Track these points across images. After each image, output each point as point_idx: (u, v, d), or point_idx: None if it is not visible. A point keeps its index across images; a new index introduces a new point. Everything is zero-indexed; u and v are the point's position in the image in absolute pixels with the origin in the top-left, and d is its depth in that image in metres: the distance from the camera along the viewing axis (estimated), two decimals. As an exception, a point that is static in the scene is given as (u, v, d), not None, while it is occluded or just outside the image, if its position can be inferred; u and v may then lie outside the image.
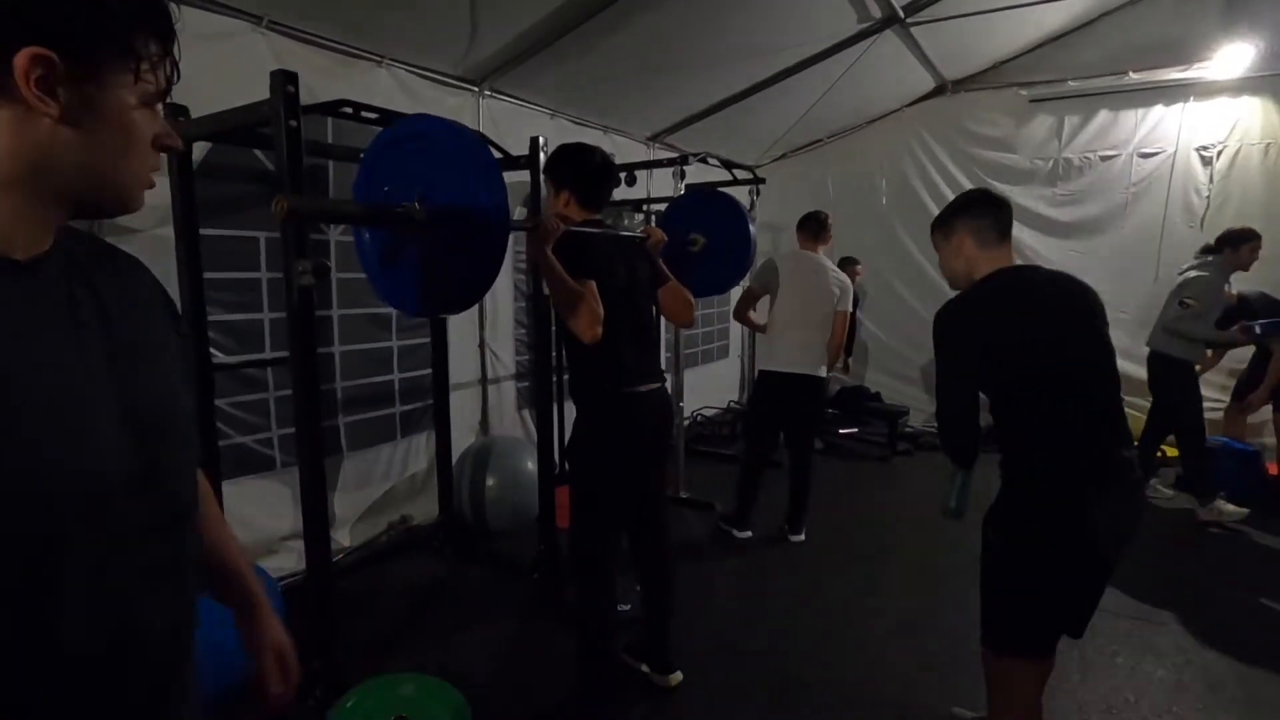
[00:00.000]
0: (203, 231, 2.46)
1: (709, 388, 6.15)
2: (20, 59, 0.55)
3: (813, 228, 3.70)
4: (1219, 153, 4.93)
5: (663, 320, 2.60)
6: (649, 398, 2.15)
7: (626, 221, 5.11)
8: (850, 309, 3.65)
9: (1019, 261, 1.75)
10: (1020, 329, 1.62)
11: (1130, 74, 5.05)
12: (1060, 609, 1.68)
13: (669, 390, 2.29)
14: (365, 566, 3.27)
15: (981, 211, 1.74)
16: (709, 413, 6.11)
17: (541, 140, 2.86)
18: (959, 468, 1.82)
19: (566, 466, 2.23)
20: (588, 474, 2.16)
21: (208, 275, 2.51)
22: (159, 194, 2.37)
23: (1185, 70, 4.91)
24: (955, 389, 1.70)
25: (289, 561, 2.90)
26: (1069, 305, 1.68)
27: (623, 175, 4.27)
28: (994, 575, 1.72)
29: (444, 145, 1.76)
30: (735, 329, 6.61)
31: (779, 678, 2.45)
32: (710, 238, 3.10)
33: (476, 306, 3.89)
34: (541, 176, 2.80)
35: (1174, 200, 5.08)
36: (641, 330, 2.19)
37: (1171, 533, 3.81)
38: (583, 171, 2.15)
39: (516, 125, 3.84)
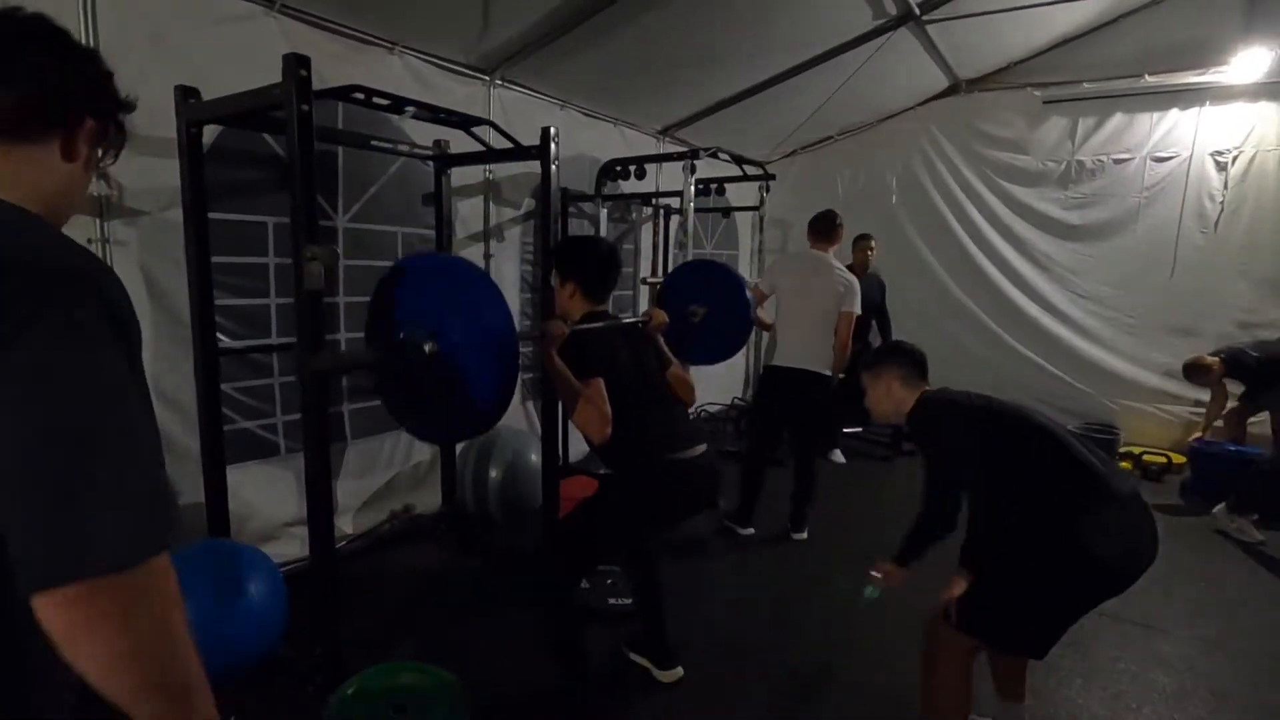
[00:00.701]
0: (212, 215, 2.46)
1: (712, 384, 6.13)
2: (89, 125, 0.81)
3: (822, 227, 3.70)
4: (1234, 158, 4.88)
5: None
6: (693, 464, 2.14)
7: (635, 216, 5.09)
8: (856, 310, 3.60)
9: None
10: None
11: (1147, 76, 5.00)
12: (1068, 616, 1.80)
13: (710, 455, 2.27)
14: (367, 554, 3.27)
15: (905, 360, 2.10)
16: (713, 409, 6.10)
17: (553, 131, 2.85)
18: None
19: (601, 481, 2.23)
20: (614, 510, 2.14)
21: (215, 259, 2.50)
22: (168, 177, 2.37)
23: (1202, 74, 4.86)
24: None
25: (292, 548, 2.90)
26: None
27: (632, 169, 4.27)
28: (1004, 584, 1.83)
29: (447, 279, 1.82)
30: (741, 325, 6.59)
31: (780, 674, 2.45)
32: (710, 307, 3.14)
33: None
34: (554, 167, 2.82)
35: (1188, 205, 5.03)
36: (662, 399, 2.21)
37: (1176, 540, 3.79)
38: (587, 264, 2.23)
39: (528, 115, 3.83)
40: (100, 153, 0.85)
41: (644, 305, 5.26)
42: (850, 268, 3.88)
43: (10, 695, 0.70)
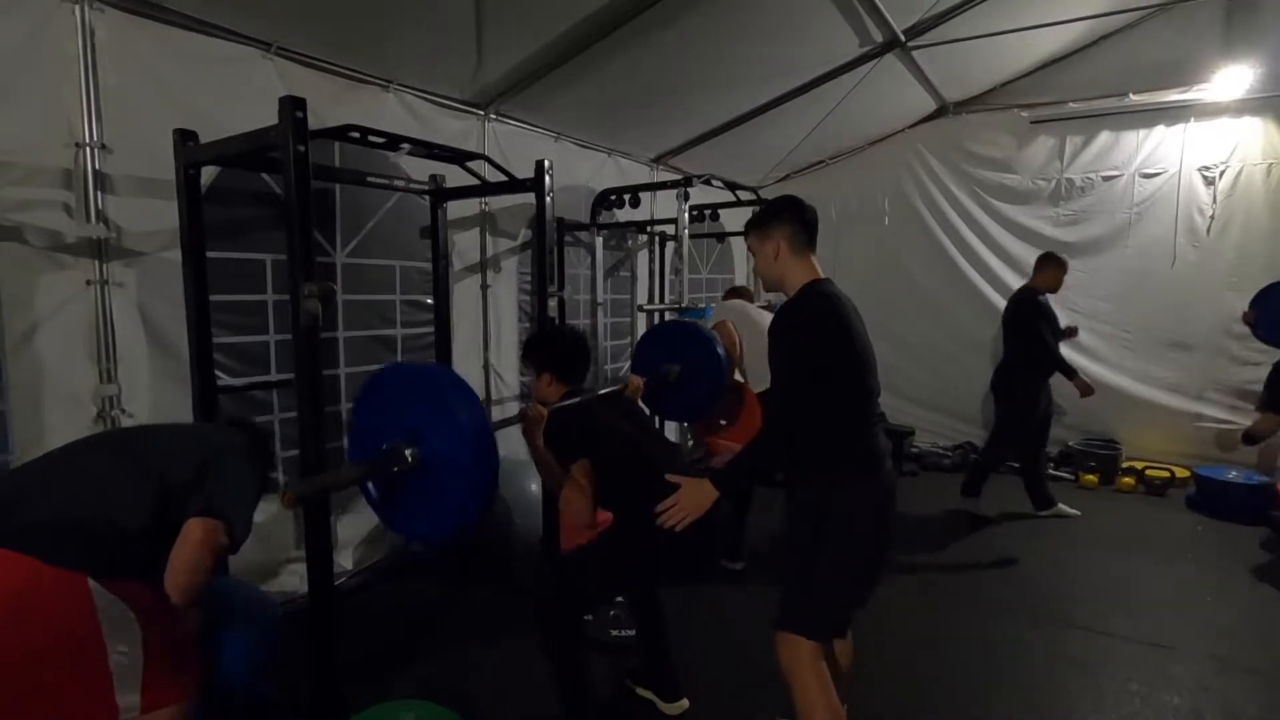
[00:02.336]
0: (210, 254, 2.48)
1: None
2: None
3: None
4: (1221, 173, 4.94)
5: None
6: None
7: (630, 244, 5.13)
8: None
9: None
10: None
11: (1131, 95, 5.08)
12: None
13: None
14: (367, 589, 3.24)
15: (795, 216, 1.91)
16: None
17: (547, 163, 2.89)
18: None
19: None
20: (611, 565, 2.10)
21: (214, 298, 2.52)
22: (167, 218, 2.39)
23: (1185, 92, 4.94)
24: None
25: (291, 584, 2.88)
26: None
27: (627, 198, 4.31)
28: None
29: (421, 388, 1.89)
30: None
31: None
32: (684, 365, 3.22)
33: (481, 326, 3.90)
34: (549, 199, 2.86)
35: (1178, 220, 5.08)
36: (652, 458, 2.17)
37: (1182, 557, 3.76)
38: (556, 353, 2.36)
39: (522, 148, 3.87)
40: None
41: (641, 329, 5.28)
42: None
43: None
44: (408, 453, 1.79)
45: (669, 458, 2.19)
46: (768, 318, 4.10)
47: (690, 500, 1.80)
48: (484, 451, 1.77)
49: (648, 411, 2.44)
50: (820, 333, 1.74)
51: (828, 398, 1.74)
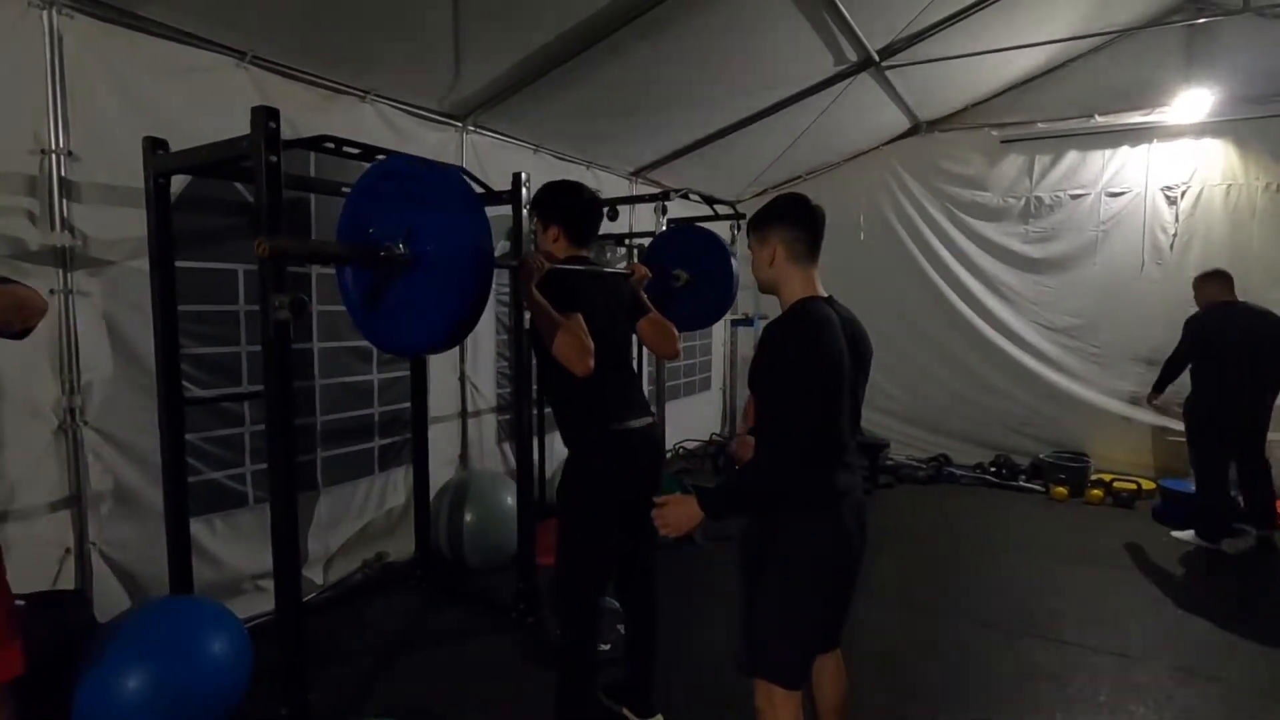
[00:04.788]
0: (181, 264, 2.44)
1: (691, 420, 6.14)
2: None
3: None
4: (1183, 193, 5.09)
5: (644, 353, 2.61)
6: (639, 434, 2.13)
7: (609, 256, 5.15)
8: None
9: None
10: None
11: (1096, 117, 5.23)
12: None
13: (658, 426, 2.28)
14: (339, 605, 3.18)
15: (798, 220, 1.69)
16: (690, 445, 6.10)
17: (524, 176, 2.89)
18: None
19: (556, 504, 2.18)
20: (576, 515, 2.12)
21: (185, 308, 2.48)
22: (135, 226, 2.36)
23: (1148, 114, 5.10)
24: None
25: (261, 601, 2.82)
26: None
27: (605, 210, 4.32)
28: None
29: (426, 185, 1.77)
30: (717, 361, 6.63)
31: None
32: (694, 273, 3.13)
33: (457, 339, 3.87)
34: (525, 212, 2.85)
35: (1142, 238, 5.22)
36: (621, 366, 2.19)
37: (1147, 567, 3.83)
38: (571, 208, 2.20)
39: (500, 160, 3.88)
40: None
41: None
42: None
43: None
44: (399, 244, 1.69)
45: (617, 396, 2.14)
46: None
47: (674, 517, 1.67)
48: (481, 257, 1.66)
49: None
50: (802, 357, 1.55)
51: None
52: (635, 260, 3.16)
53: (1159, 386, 4.35)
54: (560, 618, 2.16)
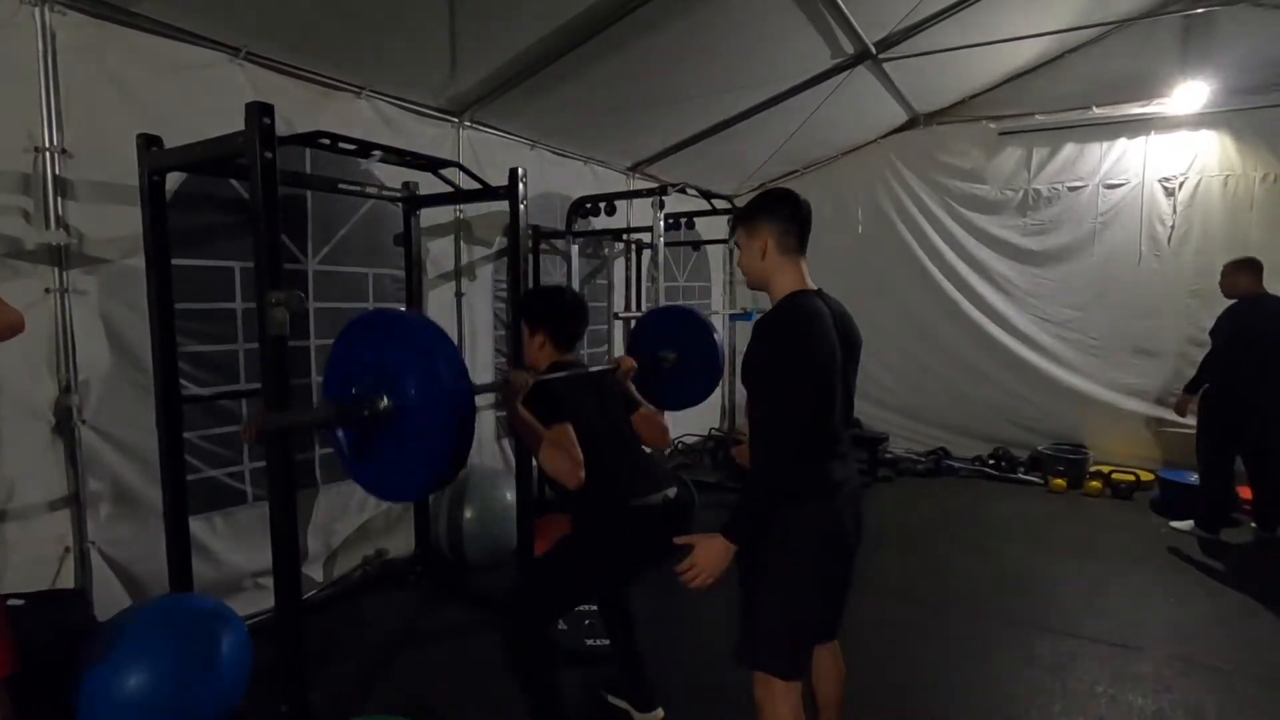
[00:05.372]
0: (177, 262, 2.43)
1: (690, 415, 6.14)
2: None
3: None
4: (1180, 184, 5.08)
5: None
6: (658, 510, 2.05)
7: (607, 252, 5.14)
8: None
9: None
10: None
11: (1094, 108, 5.22)
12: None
13: (685, 493, 2.21)
14: (339, 602, 3.19)
15: (788, 213, 1.70)
16: (689, 440, 6.10)
17: (521, 172, 2.88)
18: None
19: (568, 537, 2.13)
20: (573, 566, 2.06)
21: (182, 306, 2.47)
22: (130, 224, 2.35)
23: (1146, 105, 5.08)
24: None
25: (261, 598, 2.82)
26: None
27: (603, 205, 4.32)
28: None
29: (401, 334, 1.80)
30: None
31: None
32: (680, 352, 3.16)
33: (456, 334, 3.87)
34: (522, 208, 2.84)
35: (1141, 229, 5.22)
36: (626, 445, 2.18)
37: (1147, 558, 3.84)
38: (555, 313, 2.24)
39: (496, 156, 3.87)
40: None
41: (619, 339, 5.29)
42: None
43: None
44: (381, 400, 1.71)
45: (628, 469, 2.12)
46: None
47: (706, 559, 1.62)
48: (460, 407, 1.68)
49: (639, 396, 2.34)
50: (793, 351, 1.57)
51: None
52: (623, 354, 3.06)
53: (1193, 388, 4.19)
54: (526, 598, 2.09)
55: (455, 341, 3.85)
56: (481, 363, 4.04)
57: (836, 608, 1.81)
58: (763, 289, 1.76)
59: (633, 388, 2.37)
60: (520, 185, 2.86)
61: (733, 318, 5.86)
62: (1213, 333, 4.09)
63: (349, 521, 3.36)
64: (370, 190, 3.09)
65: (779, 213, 1.71)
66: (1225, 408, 3.98)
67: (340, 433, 1.87)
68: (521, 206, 2.87)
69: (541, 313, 2.24)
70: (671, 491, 2.11)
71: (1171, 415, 4.82)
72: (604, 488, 2.00)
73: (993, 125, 5.61)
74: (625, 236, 5.04)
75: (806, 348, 1.56)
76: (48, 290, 2.24)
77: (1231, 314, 3.99)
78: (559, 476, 1.92)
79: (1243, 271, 3.98)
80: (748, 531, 1.62)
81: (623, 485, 2.04)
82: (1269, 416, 3.84)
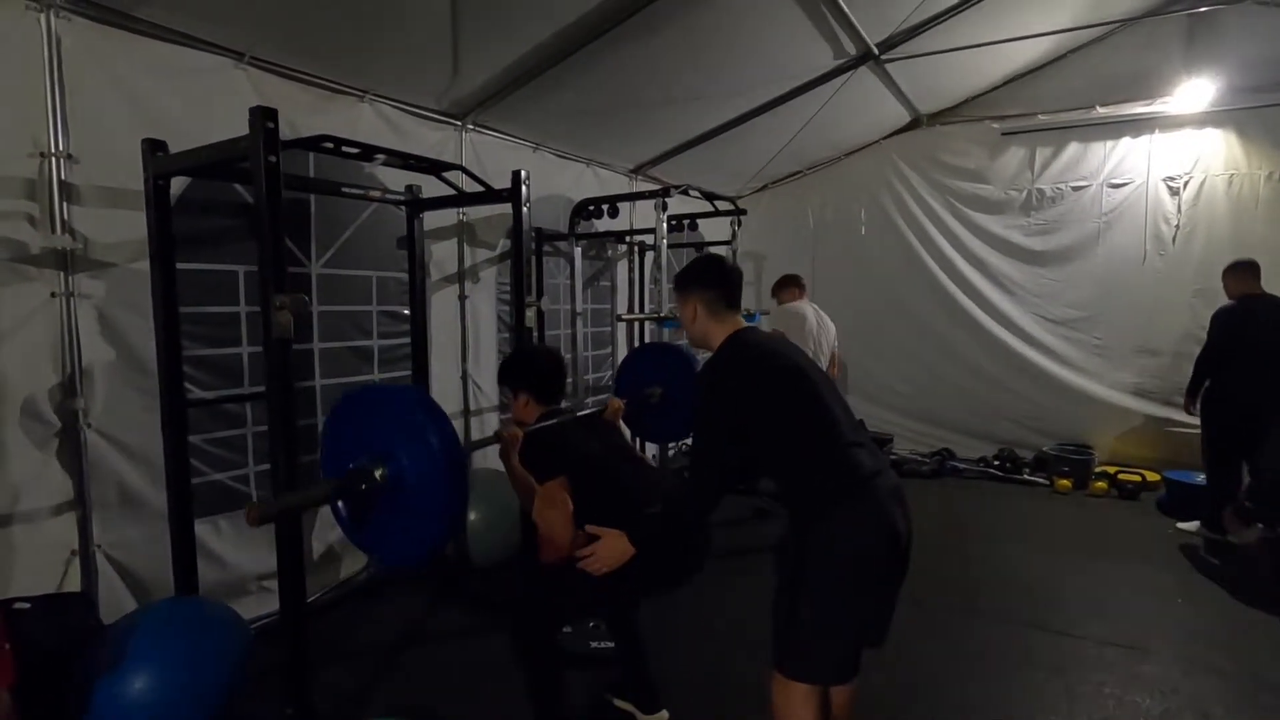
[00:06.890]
0: (181, 266, 2.44)
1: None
2: None
3: (797, 281, 4.38)
4: (1185, 183, 5.07)
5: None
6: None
7: (610, 254, 5.14)
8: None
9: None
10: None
11: (1098, 108, 5.21)
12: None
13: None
14: (344, 604, 3.19)
15: (713, 282, 1.88)
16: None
17: (524, 174, 2.89)
18: None
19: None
20: (584, 585, 2.04)
21: (186, 310, 2.48)
22: (135, 228, 2.35)
23: (1149, 104, 5.07)
24: None
25: (266, 601, 2.82)
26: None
27: (606, 208, 4.33)
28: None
29: (392, 408, 1.86)
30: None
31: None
32: (666, 388, 3.20)
33: (459, 336, 3.87)
34: (525, 210, 2.86)
35: (1145, 229, 5.20)
36: (638, 467, 2.26)
37: (1153, 559, 3.83)
38: (532, 373, 2.34)
39: (499, 158, 3.87)
40: None
41: (621, 340, 5.29)
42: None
43: None
44: (377, 472, 1.76)
45: (643, 483, 2.16)
46: (827, 321, 4.47)
47: (606, 552, 1.82)
48: (454, 474, 1.74)
49: (629, 433, 2.43)
50: (743, 380, 1.72)
51: (782, 435, 1.70)
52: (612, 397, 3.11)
53: (1194, 391, 4.14)
54: (535, 606, 2.14)
55: (458, 342, 3.87)
56: (485, 366, 4.04)
57: (886, 609, 1.78)
58: (703, 346, 1.92)
59: (620, 427, 2.48)
60: (523, 188, 2.87)
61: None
62: (1208, 333, 4.08)
63: (353, 524, 3.36)
64: (373, 193, 3.11)
65: (706, 280, 1.88)
66: (1223, 409, 3.97)
67: (340, 505, 1.92)
68: (524, 209, 2.87)
69: (521, 376, 2.35)
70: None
71: (1177, 415, 4.80)
72: (623, 506, 2.01)
73: (996, 125, 5.60)
74: (628, 238, 5.04)
75: (760, 367, 1.75)
76: (53, 294, 2.25)
77: (1223, 315, 4.00)
78: (549, 535, 2.01)
79: (1239, 273, 3.99)
80: (654, 541, 1.83)
81: (639, 500, 2.06)
82: (1264, 418, 3.82)
